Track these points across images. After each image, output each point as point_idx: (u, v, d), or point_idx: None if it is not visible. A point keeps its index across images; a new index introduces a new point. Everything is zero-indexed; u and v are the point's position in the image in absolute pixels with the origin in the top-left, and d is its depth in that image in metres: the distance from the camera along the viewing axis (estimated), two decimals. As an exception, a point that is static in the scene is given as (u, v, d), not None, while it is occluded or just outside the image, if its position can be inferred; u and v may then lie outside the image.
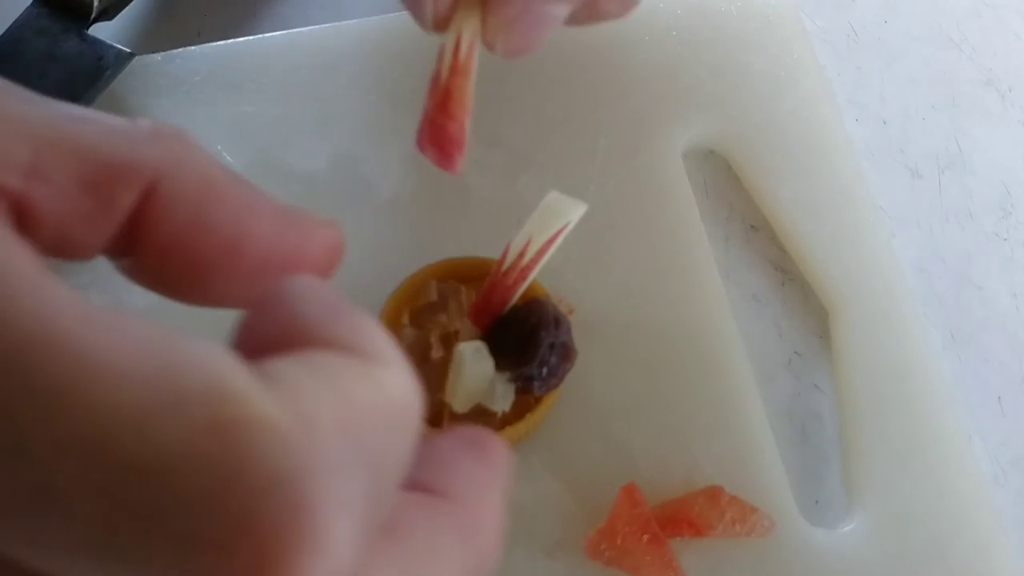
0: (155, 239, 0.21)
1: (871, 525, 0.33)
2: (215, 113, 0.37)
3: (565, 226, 0.28)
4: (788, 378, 0.37)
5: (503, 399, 0.30)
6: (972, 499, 0.34)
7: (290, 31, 0.40)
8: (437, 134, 0.27)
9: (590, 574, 0.32)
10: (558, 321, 0.29)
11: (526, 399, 0.31)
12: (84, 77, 0.37)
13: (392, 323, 0.32)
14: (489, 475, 0.21)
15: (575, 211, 0.28)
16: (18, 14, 0.38)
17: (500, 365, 0.30)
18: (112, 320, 0.15)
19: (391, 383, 0.18)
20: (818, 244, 0.38)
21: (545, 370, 0.29)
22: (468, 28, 0.27)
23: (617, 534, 0.31)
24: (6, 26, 0.38)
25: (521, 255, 0.28)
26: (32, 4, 0.38)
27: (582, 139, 0.38)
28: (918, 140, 0.41)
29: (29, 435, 0.14)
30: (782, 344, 0.37)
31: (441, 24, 0.27)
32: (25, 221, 0.18)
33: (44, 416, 0.14)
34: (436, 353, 0.32)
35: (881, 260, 0.38)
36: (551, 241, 0.28)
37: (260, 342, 0.18)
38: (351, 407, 0.16)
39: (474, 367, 0.29)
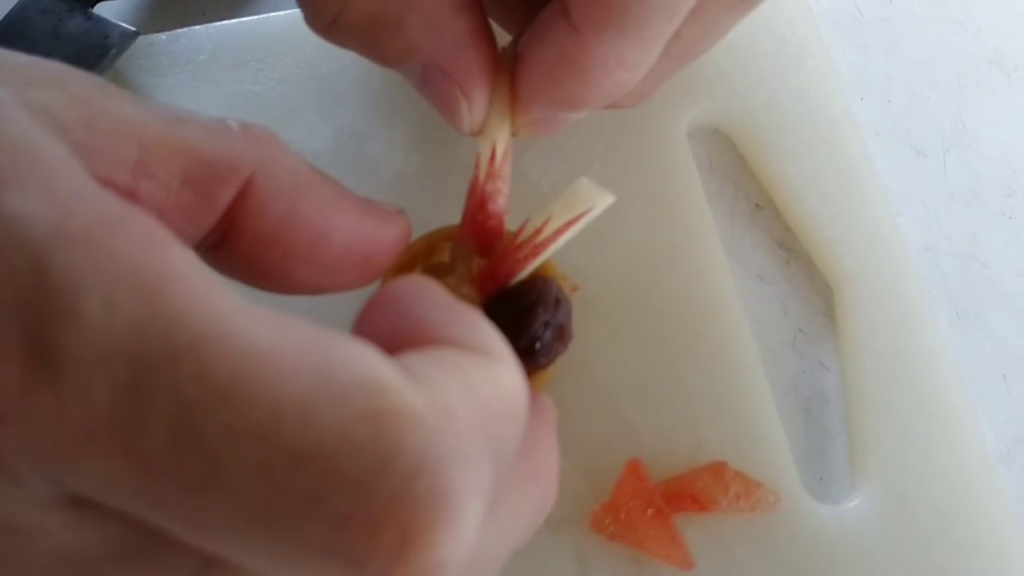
0: (249, 232, 0.22)
1: (876, 501, 0.33)
2: (220, 92, 0.37)
3: (587, 212, 0.28)
4: (793, 355, 0.37)
5: None
6: (977, 476, 0.34)
7: (294, 10, 0.40)
8: (478, 230, 0.29)
9: (595, 548, 0.32)
10: (559, 301, 0.29)
11: None
12: (89, 56, 0.37)
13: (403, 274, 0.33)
14: (544, 426, 0.24)
15: (601, 200, 0.28)
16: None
17: None
18: (272, 318, 0.17)
19: (507, 377, 0.19)
20: (823, 222, 0.38)
21: (538, 345, 0.29)
22: (502, 136, 0.28)
23: (622, 509, 0.31)
24: (11, 5, 0.38)
25: (537, 232, 0.28)
26: (36, -17, 0.38)
27: (587, 118, 0.38)
28: (923, 119, 0.41)
29: (203, 423, 0.15)
30: (787, 322, 0.37)
31: (477, 132, 0.29)
32: None
33: (218, 406, 0.15)
34: None
35: (886, 238, 0.38)
36: (569, 224, 0.28)
37: (385, 338, 0.19)
38: (479, 401, 0.18)
39: None
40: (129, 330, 0.15)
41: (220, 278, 0.23)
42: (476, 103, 0.28)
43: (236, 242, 0.22)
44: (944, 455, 0.34)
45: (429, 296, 0.20)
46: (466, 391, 0.18)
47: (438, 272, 0.33)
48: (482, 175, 0.29)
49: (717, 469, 0.32)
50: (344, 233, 0.24)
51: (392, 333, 0.20)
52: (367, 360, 0.17)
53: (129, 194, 0.20)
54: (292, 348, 0.16)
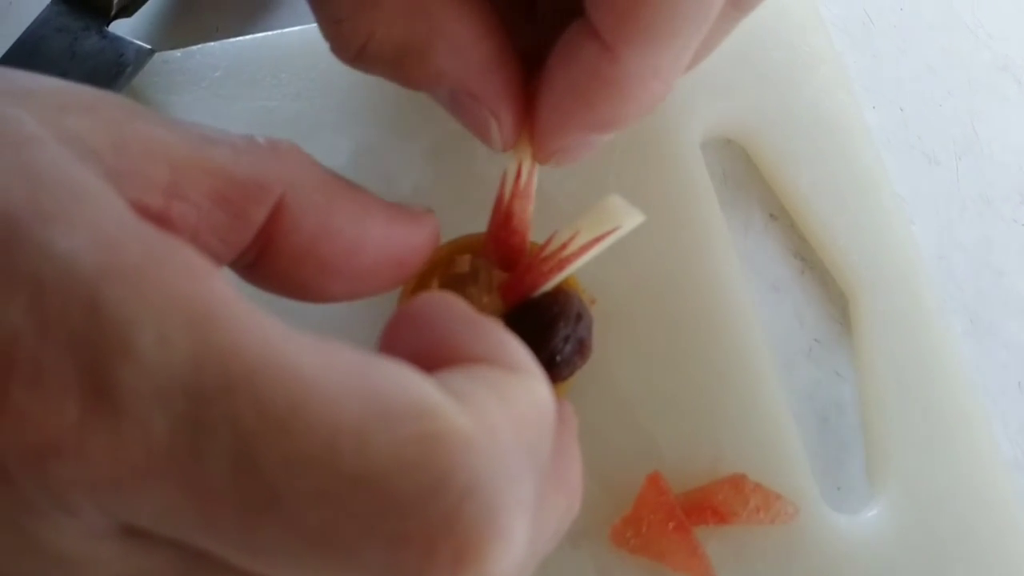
0: (285, 250, 0.23)
1: (893, 510, 0.34)
2: (236, 109, 0.38)
3: (614, 230, 0.28)
4: (809, 366, 0.37)
5: None
6: (993, 483, 0.35)
7: (308, 26, 0.40)
8: (501, 247, 0.30)
9: (615, 562, 0.32)
10: (580, 316, 0.29)
11: None
12: (105, 74, 0.37)
13: (421, 288, 0.33)
14: (568, 433, 0.24)
15: (630, 219, 0.28)
16: (38, 12, 0.39)
17: None
18: (318, 344, 0.17)
19: (538, 391, 0.20)
20: (837, 232, 0.38)
21: (558, 358, 0.30)
22: (528, 155, 0.29)
23: (642, 522, 0.32)
24: (27, 24, 0.38)
25: (563, 246, 0.29)
26: (52, 2, 0.38)
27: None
28: (935, 127, 0.42)
29: (261, 452, 0.15)
30: (803, 332, 0.37)
31: (510, 148, 0.29)
32: None
33: (275, 435, 0.16)
34: None
35: (900, 247, 0.38)
36: (596, 240, 0.28)
37: (414, 355, 0.19)
38: (518, 417, 0.19)
39: None
40: (184, 363, 0.15)
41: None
42: (506, 122, 0.28)
43: (272, 259, 0.23)
44: (961, 463, 0.35)
45: (455, 312, 0.21)
46: (505, 409, 0.18)
47: (458, 281, 0.34)
48: (507, 193, 0.29)
49: (737, 482, 0.32)
50: (376, 241, 0.24)
51: (421, 350, 0.20)
52: (414, 383, 0.17)
53: (162, 216, 0.20)
54: (342, 374, 0.16)
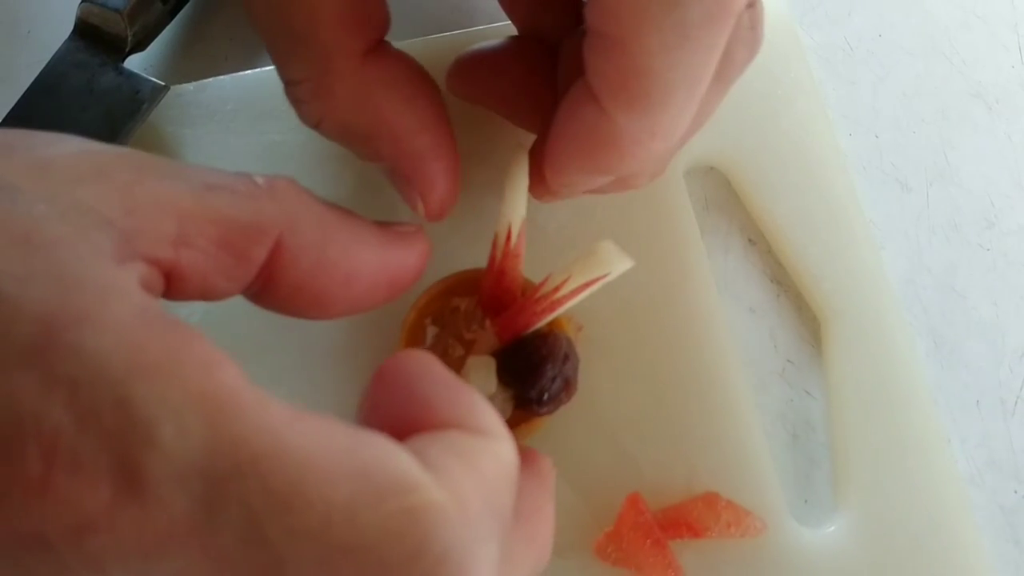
0: (284, 283, 0.26)
1: (855, 524, 0.37)
2: (246, 142, 0.40)
3: (604, 276, 0.30)
4: (782, 385, 0.40)
5: (500, 413, 0.33)
6: (950, 498, 0.37)
7: (313, 57, 0.42)
8: (495, 303, 0.33)
9: (599, 573, 0.35)
10: (567, 357, 0.32)
11: (522, 415, 0.34)
12: (122, 111, 0.39)
13: (420, 319, 0.35)
14: (543, 491, 0.27)
15: (619, 265, 0.30)
16: (53, 40, 0.41)
17: (504, 381, 0.33)
18: (315, 425, 0.20)
19: (504, 453, 0.23)
20: (811, 257, 0.40)
21: (545, 396, 0.32)
22: (517, 219, 0.31)
23: (623, 538, 0.35)
24: (44, 52, 0.40)
25: (556, 289, 0.31)
26: (69, 38, 0.40)
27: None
28: (908, 153, 0.44)
29: (267, 526, 0.18)
30: (776, 353, 0.40)
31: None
32: (174, 281, 0.22)
33: (279, 512, 0.18)
34: (455, 352, 0.35)
35: (870, 272, 0.40)
36: (587, 285, 0.31)
37: (395, 415, 0.23)
38: (487, 482, 0.21)
39: (477, 380, 0.32)
40: (200, 452, 0.18)
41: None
42: (431, 203, 0.32)
43: (274, 290, 0.25)
44: (919, 478, 0.38)
45: (429, 375, 0.24)
46: (473, 475, 0.21)
47: (454, 315, 0.36)
48: (499, 254, 0.31)
49: (710, 499, 0.35)
50: (370, 268, 0.27)
51: (398, 411, 0.23)
52: (396, 460, 0.20)
53: (172, 265, 0.22)
54: (335, 454, 0.19)
